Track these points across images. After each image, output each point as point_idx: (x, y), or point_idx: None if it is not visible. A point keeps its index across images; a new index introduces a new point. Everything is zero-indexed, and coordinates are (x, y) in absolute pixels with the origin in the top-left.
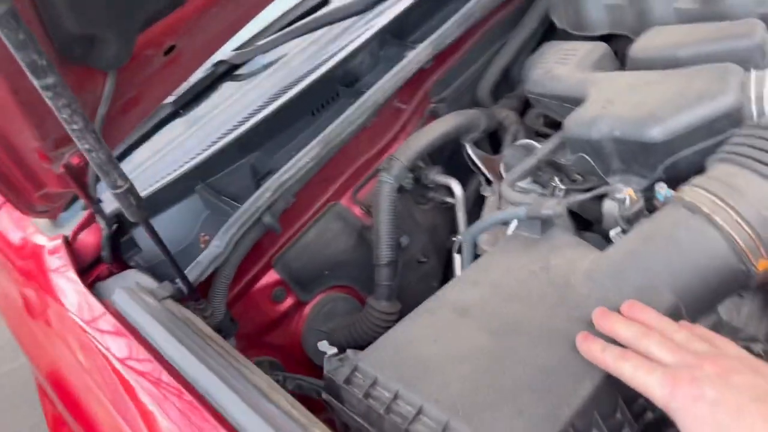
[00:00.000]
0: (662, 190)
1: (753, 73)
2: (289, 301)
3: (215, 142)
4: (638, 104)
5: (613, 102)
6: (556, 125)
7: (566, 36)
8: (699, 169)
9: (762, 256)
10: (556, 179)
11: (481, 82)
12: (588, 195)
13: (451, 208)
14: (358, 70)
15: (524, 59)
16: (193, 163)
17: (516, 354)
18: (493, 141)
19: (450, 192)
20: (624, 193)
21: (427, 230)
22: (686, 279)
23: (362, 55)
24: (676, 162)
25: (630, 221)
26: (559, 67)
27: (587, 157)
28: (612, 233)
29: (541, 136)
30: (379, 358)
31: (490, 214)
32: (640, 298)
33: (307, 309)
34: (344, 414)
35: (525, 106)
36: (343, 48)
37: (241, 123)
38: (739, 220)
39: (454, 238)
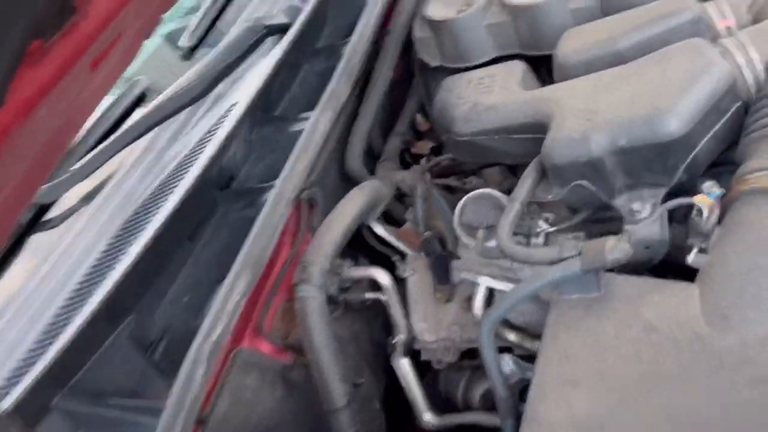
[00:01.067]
0: (715, 189)
1: (728, 41)
2: None
3: (54, 330)
4: (629, 102)
5: (596, 110)
6: (465, 172)
7: (444, 74)
8: (715, 159)
9: None
10: (541, 221)
11: (349, 152)
12: (653, 218)
13: (368, 308)
14: (232, 165)
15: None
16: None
17: None
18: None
19: (372, 286)
20: (696, 200)
21: (350, 342)
22: None
23: (235, 145)
24: (695, 156)
25: (708, 235)
26: (486, 96)
27: (585, 183)
28: (692, 258)
29: (450, 189)
30: None
31: (515, 288)
32: None
33: None
34: None
35: (404, 166)
36: (201, 144)
37: (86, 288)
38: None
39: (393, 341)
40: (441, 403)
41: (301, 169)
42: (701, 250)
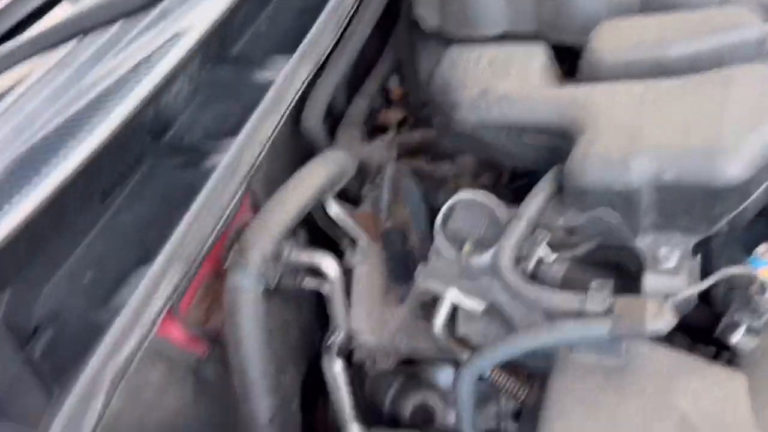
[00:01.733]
0: (766, 254)
1: None
2: None
3: None
4: (682, 129)
5: (641, 130)
6: (437, 155)
7: (440, 41)
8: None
9: None
10: (543, 247)
11: (309, 108)
12: (704, 285)
13: (301, 292)
14: (170, 110)
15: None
16: None
17: None
18: None
19: (313, 271)
20: (760, 274)
21: (277, 333)
22: None
23: (178, 84)
24: (746, 208)
25: (761, 313)
26: (500, 82)
27: (611, 213)
28: (736, 339)
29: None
30: None
31: (515, 336)
32: None
33: None
34: None
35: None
36: (134, 72)
37: None
38: None
39: (329, 341)
40: (363, 406)
41: (267, 133)
42: (750, 330)
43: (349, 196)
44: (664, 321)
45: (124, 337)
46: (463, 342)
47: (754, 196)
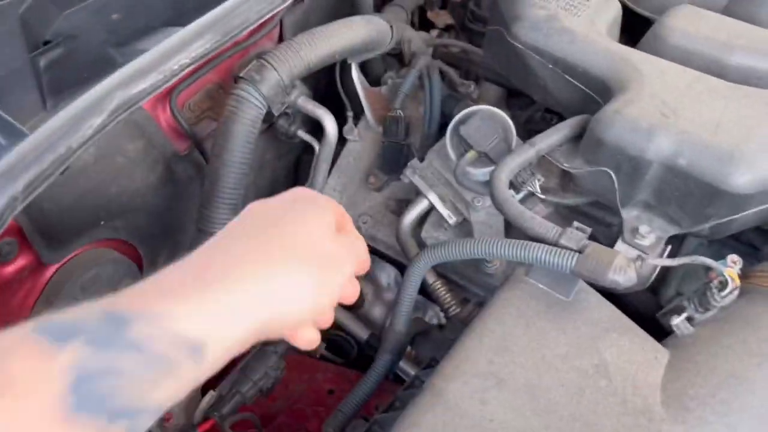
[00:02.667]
0: (735, 264)
1: None
2: (19, 262)
3: None
4: (714, 126)
5: (677, 112)
6: (466, 72)
7: None
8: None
9: None
10: (537, 183)
11: None
12: (676, 262)
13: (284, 140)
14: None
15: None
16: None
17: None
18: None
19: (308, 124)
20: (726, 272)
21: (253, 168)
22: None
23: None
24: (733, 220)
25: (708, 307)
26: (568, 16)
27: (613, 175)
28: (677, 321)
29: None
30: None
31: (484, 239)
32: None
33: (47, 276)
34: None
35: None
36: None
37: None
38: None
39: None
40: None
41: None
42: (689, 319)
43: (369, 74)
44: (626, 276)
45: (134, 78)
46: (421, 245)
47: (744, 213)
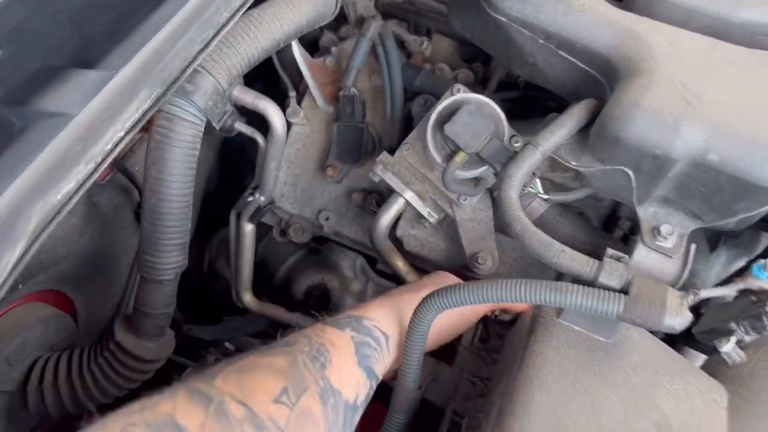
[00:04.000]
0: None
1: None
2: None
3: None
4: (739, 106)
5: (700, 96)
6: (417, 27)
7: None
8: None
9: None
10: (538, 182)
11: None
12: (733, 290)
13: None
14: None
15: None
16: None
17: None
18: None
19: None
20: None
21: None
22: None
23: None
24: (761, 212)
25: (761, 332)
26: None
27: (632, 174)
28: (727, 348)
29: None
30: None
31: (509, 282)
32: None
33: None
34: None
35: None
36: None
37: None
38: None
39: (249, 197)
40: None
41: None
42: (740, 343)
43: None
44: (683, 318)
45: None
46: (397, 243)
47: None
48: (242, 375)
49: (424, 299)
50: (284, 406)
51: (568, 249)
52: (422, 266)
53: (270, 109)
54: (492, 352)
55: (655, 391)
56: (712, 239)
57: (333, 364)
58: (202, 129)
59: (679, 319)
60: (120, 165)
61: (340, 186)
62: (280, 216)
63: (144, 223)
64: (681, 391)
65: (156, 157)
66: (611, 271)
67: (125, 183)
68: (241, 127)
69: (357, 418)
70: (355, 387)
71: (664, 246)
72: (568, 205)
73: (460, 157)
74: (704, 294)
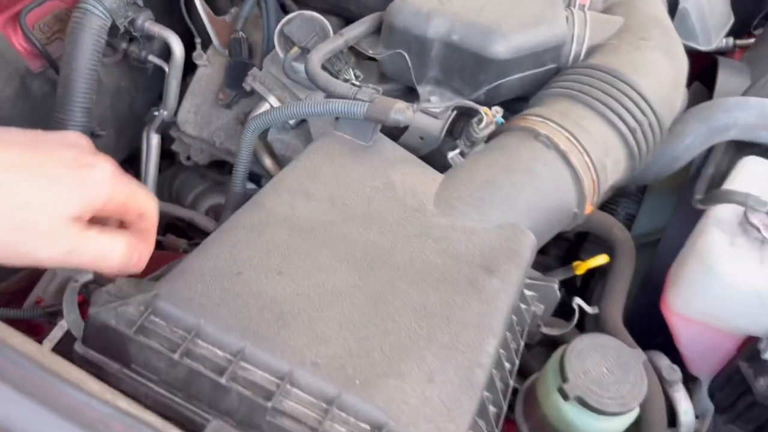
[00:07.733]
0: (499, 114)
1: (577, 13)
2: None
3: None
4: (478, 10)
5: (451, 0)
6: None
7: None
8: (512, 98)
9: (591, 202)
10: (352, 71)
11: None
12: (444, 106)
13: (142, 69)
14: None
15: None
16: None
17: (396, 295)
18: None
19: (158, 50)
20: (482, 110)
21: (109, 93)
22: (539, 217)
23: None
24: (500, 85)
25: (474, 143)
26: None
27: (406, 56)
28: (451, 155)
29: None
30: (193, 293)
31: (297, 103)
32: (505, 234)
33: None
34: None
35: None
36: None
37: None
38: (589, 164)
39: (155, 112)
40: (168, 197)
41: None
42: (462, 153)
43: (218, 10)
44: (404, 115)
45: None
46: (268, 148)
47: (507, 79)
48: None
49: (249, 121)
50: None
51: (341, 82)
52: None
53: (171, 38)
54: None
55: (391, 169)
56: None
57: None
58: (108, 24)
59: (401, 116)
60: (52, 62)
61: (231, 112)
62: (186, 143)
63: (59, 89)
64: (410, 172)
65: (70, 39)
66: (365, 92)
67: (55, 77)
68: (153, 59)
69: None
70: None
71: (433, 111)
72: None
73: (294, 50)
74: (421, 106)
